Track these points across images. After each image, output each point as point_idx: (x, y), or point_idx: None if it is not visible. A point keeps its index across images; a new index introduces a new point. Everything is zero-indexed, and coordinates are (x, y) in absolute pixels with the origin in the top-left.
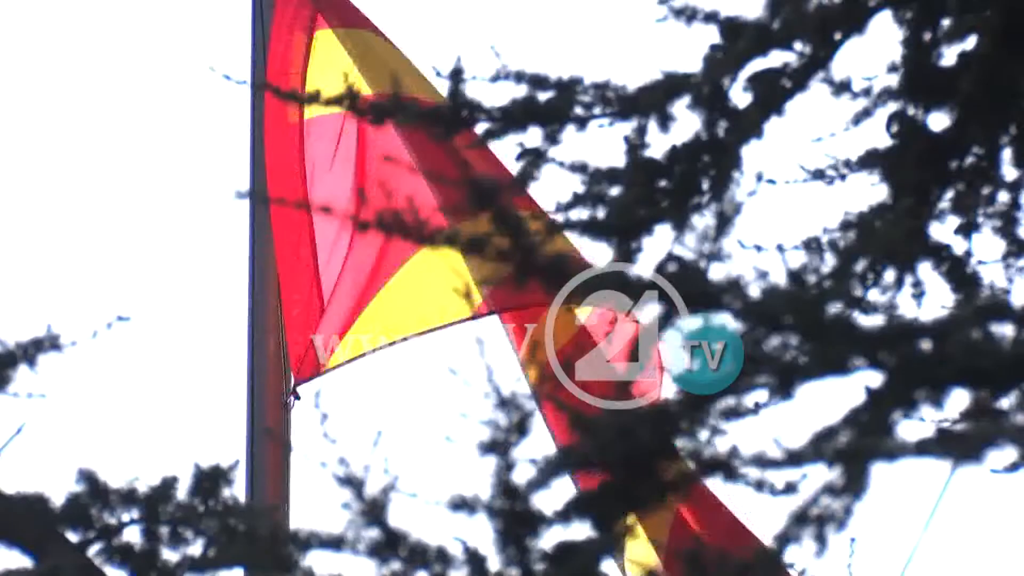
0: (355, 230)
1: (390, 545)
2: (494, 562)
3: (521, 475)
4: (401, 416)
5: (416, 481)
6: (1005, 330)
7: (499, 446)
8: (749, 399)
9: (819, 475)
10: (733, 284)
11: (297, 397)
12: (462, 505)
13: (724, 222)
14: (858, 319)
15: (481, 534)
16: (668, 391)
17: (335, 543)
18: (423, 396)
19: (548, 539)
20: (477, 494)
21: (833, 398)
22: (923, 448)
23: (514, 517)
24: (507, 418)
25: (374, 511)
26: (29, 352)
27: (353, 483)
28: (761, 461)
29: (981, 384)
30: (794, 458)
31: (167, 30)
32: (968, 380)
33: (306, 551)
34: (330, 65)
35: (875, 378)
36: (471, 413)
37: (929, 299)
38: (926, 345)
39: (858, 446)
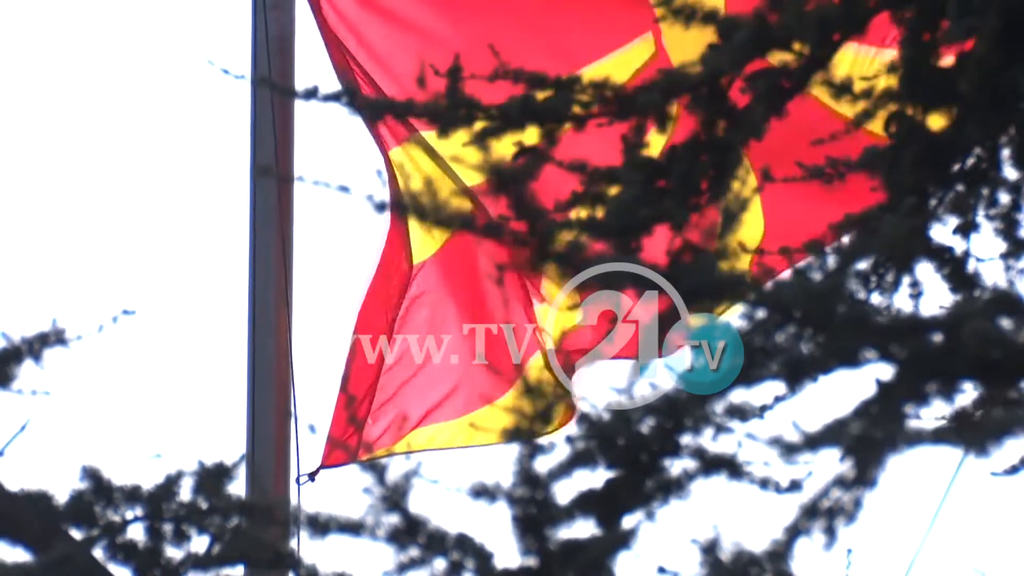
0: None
1: (409, 531)
2: (499, 559)
3: (543, 464)
4: None
5: (438, 467)
6: (1014, 324)
7: (523, 434)
8: (756, 399)
9: (826, 470)
10: (743, 276)
11: (312, 479)
12: (483, 492)
13: (729, 219)
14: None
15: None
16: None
17: (354, 528)
18: None
19: (564, 532)
20: (498, 482)
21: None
22: (938, 437)
23: (534, 506)
24: (532, 406)
25: (395, 497)
26: (35, 347)
27: (375, 468)
28: (778, 445)
29: (992, 376)
30: (811, 442)
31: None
32: (979, 372)
33: (324, 535)
34: None
35: (886, 371)
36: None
37: (927, 300)
38: (937, 338)
39: (874, 434)
